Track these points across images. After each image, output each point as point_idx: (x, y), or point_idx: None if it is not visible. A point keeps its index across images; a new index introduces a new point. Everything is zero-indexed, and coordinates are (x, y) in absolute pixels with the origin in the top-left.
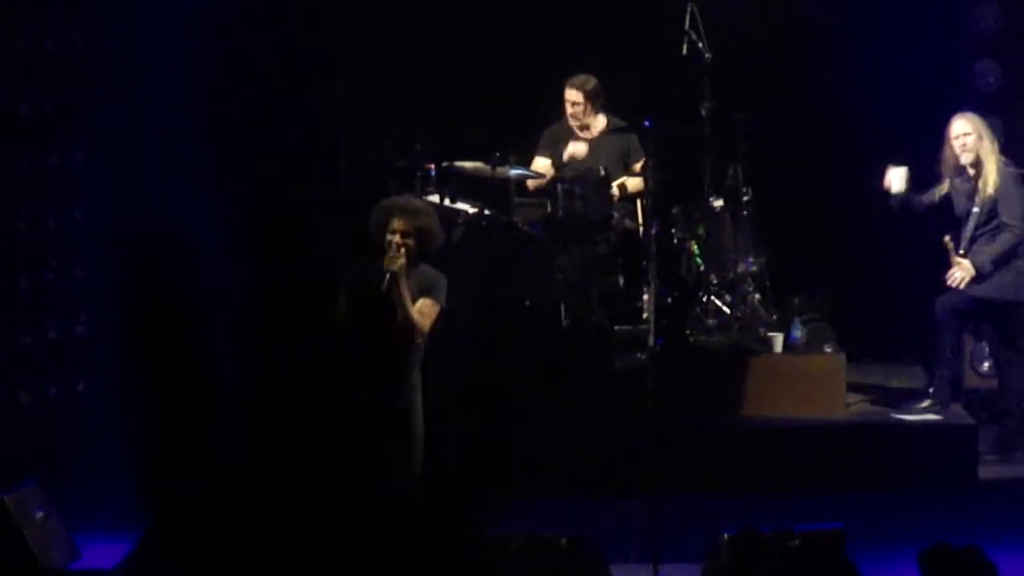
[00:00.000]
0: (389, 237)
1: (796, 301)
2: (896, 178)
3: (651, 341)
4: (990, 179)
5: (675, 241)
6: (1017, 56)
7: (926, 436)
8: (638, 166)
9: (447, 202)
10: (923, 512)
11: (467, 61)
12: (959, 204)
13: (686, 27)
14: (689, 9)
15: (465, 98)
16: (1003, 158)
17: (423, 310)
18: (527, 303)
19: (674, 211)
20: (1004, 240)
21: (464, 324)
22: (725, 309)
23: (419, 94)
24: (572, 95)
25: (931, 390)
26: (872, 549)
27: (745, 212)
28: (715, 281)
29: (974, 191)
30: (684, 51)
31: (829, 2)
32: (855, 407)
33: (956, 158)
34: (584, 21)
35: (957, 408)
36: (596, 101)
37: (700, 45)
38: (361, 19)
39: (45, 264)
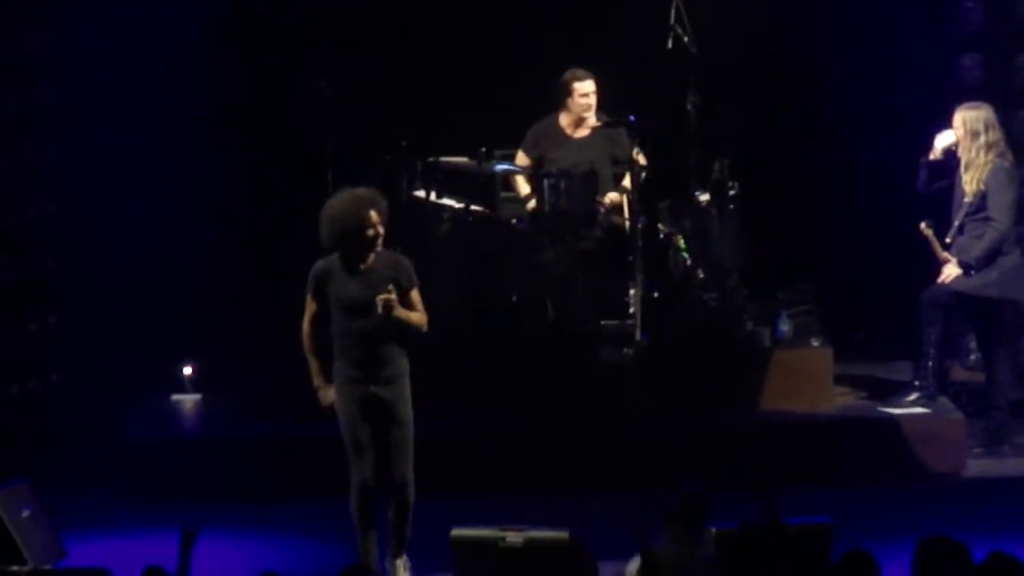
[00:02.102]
0: (370, 231)
1: (782, 295)
2: (945, 137)
3: (637, 336)
4: (973, 175)
5: (661, 236)
6: (1001, 50)
7: (914, 429)
8: (640, 157)
9: (433, 198)
10: (911, 505)
11: (451, 57)
12: (957, 193)
13: (671, 21)
14: (674, 3)
15: (450, 93)
16: (1001, 151)
17: (416, 301)
18: (513, 299)
19: (660, 206)
20: (988, 238)
21: (450, 320)
22: (712, 303)
23: (405, 89)
24: (588, 86)
25: (916, 383)
26: (862, 542)
27: (731, 206)
28: (702, 275)
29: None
30: (669, 45)
31: None
32: (842, 401)
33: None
34: (569, 15)
35: (945, 401)
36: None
37: (685, 39)
38: (345, 13)
39: (18, 261)
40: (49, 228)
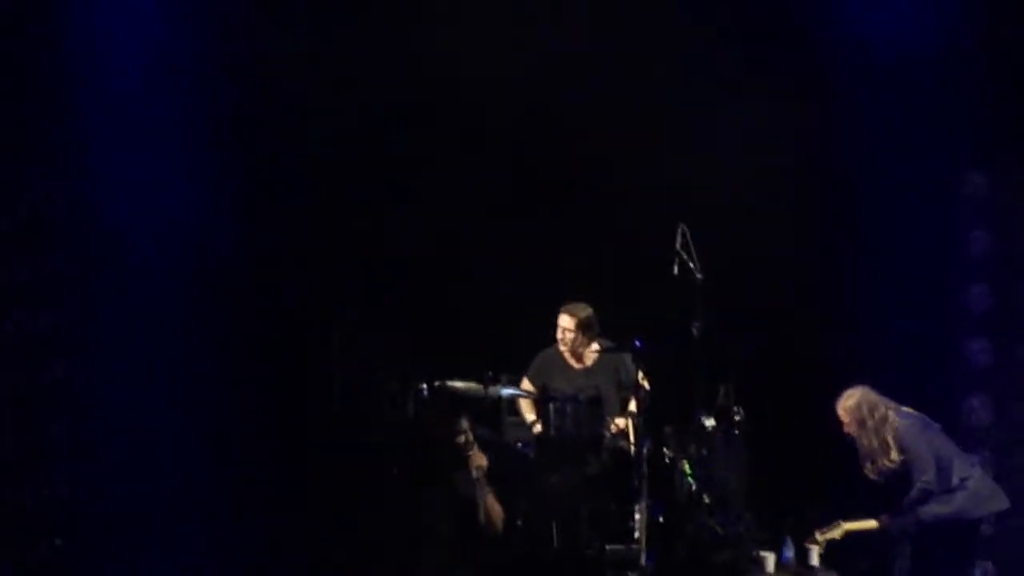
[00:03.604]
0: (461, 439)
1: (788, 520)
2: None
3: (643, 560)
4: (880, 460)
5: (667, 460)
6: (1008, 279)
7: None
8: (645, 382)
9: None
10: None
11: (458, 281)
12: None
13: (677, 247)
14: (680, 229)
15: (457, 318)
16: (891, 418)
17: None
18: (518, 523)
19: (666, 430)
20: (916, 492)
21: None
22: (717, 528)
23: (410, 314)
24: (564, 321)
25: None
26: None
27: (736, 431)
28: (707, 500)
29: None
30: (675, 271)
31: (816, 223)
32: None
33: None
34: (574, 239)
35: None
36: (588, 330)
37: (691, 265)
38: (353, 243)
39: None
40: (53, 393)
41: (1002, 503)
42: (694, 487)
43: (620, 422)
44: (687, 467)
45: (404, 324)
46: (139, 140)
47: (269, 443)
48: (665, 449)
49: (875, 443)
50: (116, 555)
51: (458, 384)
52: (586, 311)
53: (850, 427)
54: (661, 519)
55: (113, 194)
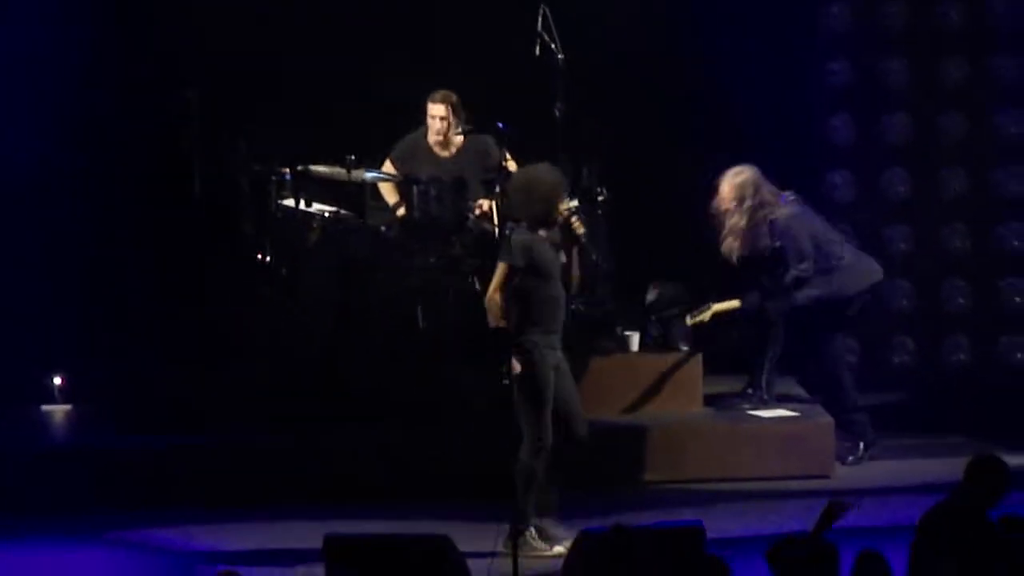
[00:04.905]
0: (563, 211)
1: (652, 299)
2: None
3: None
4: (734, 241)
5: None
6: (867, 55)
7: (782, 432)
8: (509, 164)
9: (302, 206)
10: (781, 507)
11: (320, 63)
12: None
13: (538, 28)
14: (541, 10)
15: (319, 101)
16: (770, 206)
17: None
18: (383, 305)
19: None
20: (789, 279)
21: (319, 327)
22: (581, 308)
23: (273, 97)
24: (438, 110)
25: (750, 391)
26: (733, 544)
27: (600, 212)
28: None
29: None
30: (537, 52)
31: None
32: (711, 405)
33: None
34: (437, 22)
35: (816, 407)
36: (459, 115)
37: (552, 46)
38: (213, 19)
39: None
40: None
41: (876, 275)
42: None
43: (483, 203)
44: None
45: (266, 106)
46: None
47: (131, 228)
48: None
49: (743, 223)
50: None
51: (321, 168)
52: (454, 96)
53: (726, 203)
54: None
55: None
